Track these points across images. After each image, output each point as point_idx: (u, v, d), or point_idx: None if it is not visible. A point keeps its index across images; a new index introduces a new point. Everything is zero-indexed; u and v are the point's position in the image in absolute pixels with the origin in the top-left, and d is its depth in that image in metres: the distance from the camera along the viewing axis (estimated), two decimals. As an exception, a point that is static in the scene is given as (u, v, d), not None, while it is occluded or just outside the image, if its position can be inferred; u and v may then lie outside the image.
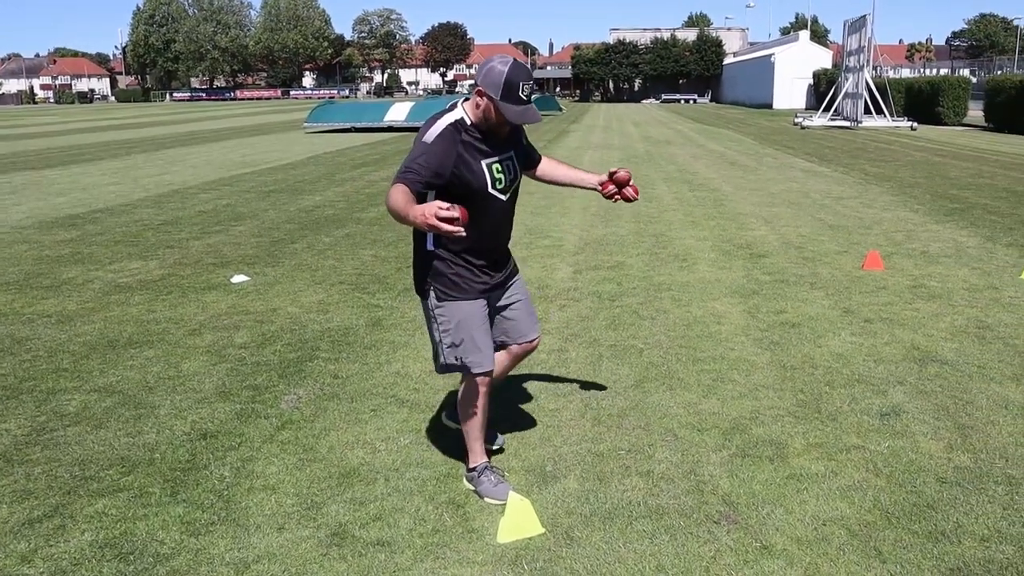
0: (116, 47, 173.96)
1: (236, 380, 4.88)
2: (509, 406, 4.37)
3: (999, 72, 44.31)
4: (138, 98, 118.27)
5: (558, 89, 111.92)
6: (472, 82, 3.37)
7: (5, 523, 3.31)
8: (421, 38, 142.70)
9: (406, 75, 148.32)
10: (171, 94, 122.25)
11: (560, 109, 54.64)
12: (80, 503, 3.46)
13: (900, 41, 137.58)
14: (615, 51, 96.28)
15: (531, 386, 4.71)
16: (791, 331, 5.73)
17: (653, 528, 3.23)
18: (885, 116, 32.10)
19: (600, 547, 3.11)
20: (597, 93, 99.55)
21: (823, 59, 63.62)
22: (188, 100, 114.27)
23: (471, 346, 3.37)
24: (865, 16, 31.80)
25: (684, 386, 4.72)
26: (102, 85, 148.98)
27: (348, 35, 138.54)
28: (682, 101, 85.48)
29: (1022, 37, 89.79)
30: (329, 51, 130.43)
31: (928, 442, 3.96)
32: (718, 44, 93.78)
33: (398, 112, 31.05)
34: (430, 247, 3.32)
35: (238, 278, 7.36)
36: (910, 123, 31.25)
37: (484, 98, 3.12)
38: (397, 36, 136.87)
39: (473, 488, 3.53)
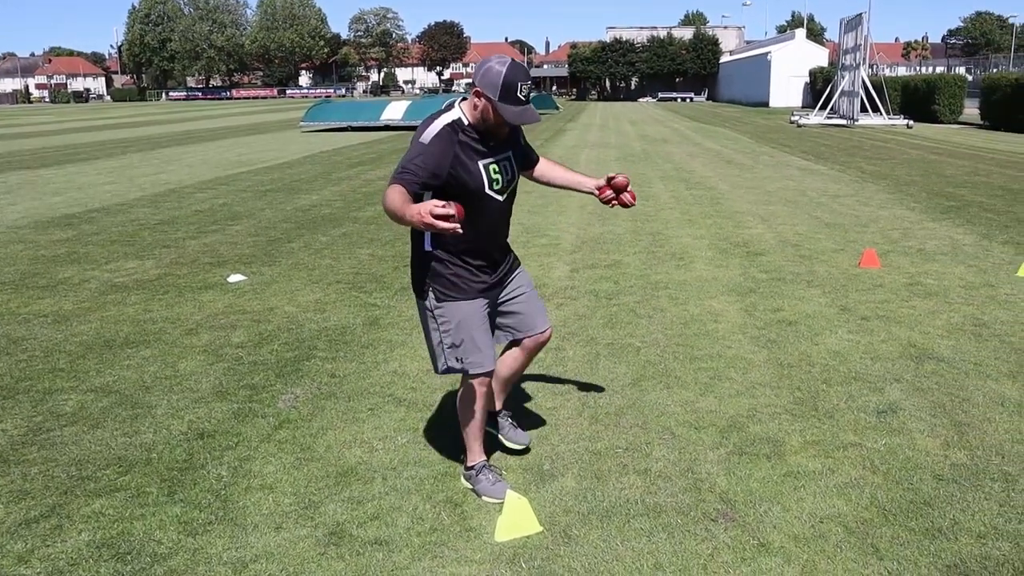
0: (112, 46, 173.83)
1: (233, 379, 4.88)
2: (506, 404, 4.37)
3: (995, 70, 44.38)
4: (134, 97, 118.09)
5: (554, 88, 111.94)
6: (469, 81, 3.36)
7: (2, 523, 3.31)
8: (417, 37, 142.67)
9: (402, 74, 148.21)
10: (167, 93, 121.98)
11: (557, 108, 54.64)
12: (77, 503, 3.46)
13: (896, 39, 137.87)
14: (612, 49, 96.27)
15: (528, 385, 4.71)
16: (788, 329, 5.74)
17: (651, 526, 3.24)
18: (881, 114, 32.14)
19: (598, 545, 3.11)
20: (594, 92, 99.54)
21: (819, 57, 63.66)
22: (184, 99, 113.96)
23: (471, 346, 3.36)
24: (861, 14, 31.85)
25: (681, 384, 4.73)
26: (98, 84, 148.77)
27: (344, 34, 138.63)
28: (679, 99, 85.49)
29: (1018, 35, 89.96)
30: (325, 50, 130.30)
31: (925, 439, 3.97)
32: (714, 42, 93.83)
33: (394, 111, 31.00)
34: (427, 248, 3.32)
35: (235, 277, 7.36)
36: (906, 121, 31.29)
37: (482, 99, 3.11)
38: (393, 35, 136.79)
39: (471, 487, 3.53)
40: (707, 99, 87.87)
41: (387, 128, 30.40)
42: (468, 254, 3.31)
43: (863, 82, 31.70)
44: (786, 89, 62.63)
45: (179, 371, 5.04)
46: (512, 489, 3.36)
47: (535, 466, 3.75)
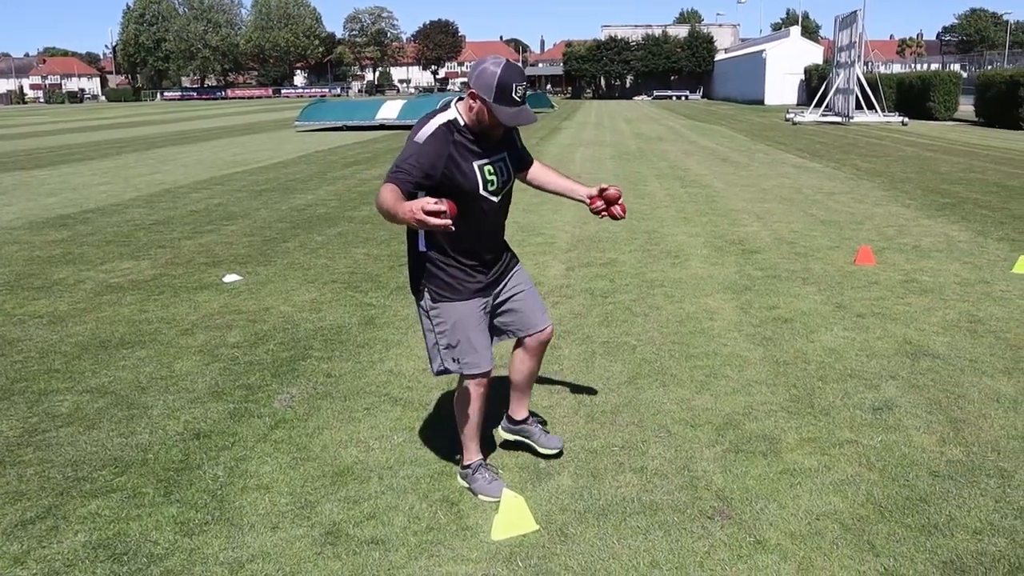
0: (106, 46, 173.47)
1: (229, 380, 4.87)
2: (501, 403, 4.36)
3: (989, 67, 44.45)
4: (128, 97, 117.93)
5: (549, 86, 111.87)
6: (464, 80, 3.34)
7: (-2, 525, 3.30)
8: (412, 36, 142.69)
9: (397, 73, 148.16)
10: (162, 93, 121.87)
11: (552, 106, 54.64)
12: (73, 504, 3.45)
13: (891, 36, 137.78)
14: (607, 48, 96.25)
15: (524, 383, 4.70)
16: (783, 326, 5.74)
17: (647, 524, 3.24)
18: (876, 111, 32.18)
19: (594, 543, 3.12)
20: (589, 90, 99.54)
21: (814, 55, 63.72)
22: (179, 99, 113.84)
23: (467, 347, 3.35)
24: (856, 12, 31.89)
25: (677, 382, 4.73)
26: (92, 85, 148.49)
27: (339, 33, 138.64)
28: (674, 97, 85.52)
29: (1012, 32, 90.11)
30: (320, 49, 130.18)
31: (920, 436, 3.98)
32: (709, 40, 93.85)
33: (389, 110, 30.96)
34: (422, 248, 3.31)
35: (230, 277, 7.35)
36: (901, 118, 31.32)
37: (477, 100, 3.09)
38: (388, 34, 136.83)
39: (467, 485, 3.53)
40: (702, 97, 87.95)
41: (382, 127, 30.37)
42: (463, 255, 3.30)
43: (858, 79, 31.73)
44: (781, 87, 62.69)
45: (175, 371, 5.03)
46: (508, 488, 3.36)
47: (531, 465, 3.75)
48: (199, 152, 22.08)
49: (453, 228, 2.85)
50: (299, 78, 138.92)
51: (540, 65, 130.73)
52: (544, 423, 3.86)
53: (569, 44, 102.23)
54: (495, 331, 3.54)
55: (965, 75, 41.86)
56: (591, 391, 4.60)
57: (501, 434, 3.88)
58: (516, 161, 3.45)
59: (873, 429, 4.06)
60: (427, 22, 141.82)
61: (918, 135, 25.33)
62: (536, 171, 3.66)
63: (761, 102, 62.94)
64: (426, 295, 3.35)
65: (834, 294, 6.56)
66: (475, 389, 3.43)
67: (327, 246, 8.82)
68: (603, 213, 3.59)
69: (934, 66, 48.27)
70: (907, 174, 14.73)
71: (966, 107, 35.08)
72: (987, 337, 5.45)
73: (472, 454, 3.55)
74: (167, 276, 7.52)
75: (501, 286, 3.49)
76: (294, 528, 3.25)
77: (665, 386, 4.67)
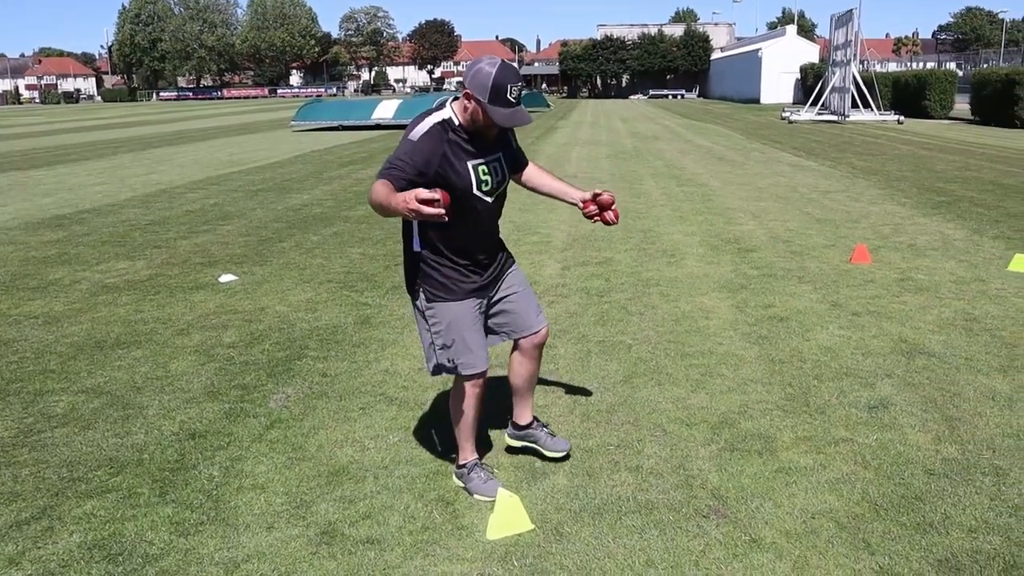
0: (102, 46, 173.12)
1: (224, 380, 4.87)
2: (497, 403, 4.35)
3: (985, 65, 44.50)
4: (124, 98, 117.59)
5: (545, 85, 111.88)
6: (460, 79, 3.33)
7: (-8, 526, 3.30)
8: (408, 35, 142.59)
9: (393, 73, 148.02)
10: (158, 93, 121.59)
11: (548, 105, 54.61)
12: (68, 505, 3.45)
13: (887, 35, 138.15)
14: (602, 47, 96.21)
15: (520, 382, 4.70)
16: (779, 325, 5.75)
17: (642, 523, 3.24)
18: (872, 110, 32.21)
19: (590, 543, 3.12)
20: (585, 89, 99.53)
21: (810, 53, 63.71)
22: (175, 99, 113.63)
23: (462, 347, 3.35)
24: (852, 10, 31.90)
25: (673, 381, 4.73)
26: (88, 85, 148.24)
27: (335, 33, 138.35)
28: (670, 96, 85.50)
29: (1008, 30, 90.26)
30: (316, 49, 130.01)
31: (916, 434, 3.98)
32: (705, 39, 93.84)
33: (385, 110, 30.96)
34: (416, 248, 3.31)
35: (226, 277, 7.34)
36: (897, 117, 31.36)
37: (472, 100, 3.08)
38: (384, 33, 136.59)
39: (462, 485, 3.53)
40: (698, 96, 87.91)
41: (378, 127, 30.36)
42: (457, 255, 3.29)
43: (854, 78, 31.75)
44: (777, 85, 62.69)
45: (170, 371, 5.03)
46: (504, 487, 3.37)
47: (527, 464, 3.75)
48: (195, 152, 22.05)
49: (447, 218, 2.84)
50: (295, 78, 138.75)
51: (536, 64, 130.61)
52: (546, 425, 3.84)
53: (565, 43, 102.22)
54: (489, 332, 3.52)
55: (961, 73, 41.93)
56: (587, 390, 4.60)
57: (507, 441, 3.86)
58: (511, 162, 3.44)
59: (868, 427, 4.07)
60: (423, 21, 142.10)
61: (914, 134, 25.36)
62: (531, 173, 3.65)
63: (757, 101, 62.95)
64: (421, 295, 3.35)
65: (830, 292, 6.57)
66: (470, 389, 3.43)
67: (323, 246, 8.82)
68: (596, 218, 3.60)
69: (930, 65, 48.40)
70: (903, 172, 14.75)
71: (962, 105, 35.11)
72: (982, 335, 5.46)
73: (467, 454, 3.55)
74: (163, 276, 7.51)
75: (496, 287, 3.49)
76: (289, 528, 3.25)
77: (661, 385, 4.67)
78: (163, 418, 4.32)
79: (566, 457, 3.76)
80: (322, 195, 12.90)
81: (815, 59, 60.92)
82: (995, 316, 5.88)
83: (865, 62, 38.46)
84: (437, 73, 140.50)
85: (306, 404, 4.48)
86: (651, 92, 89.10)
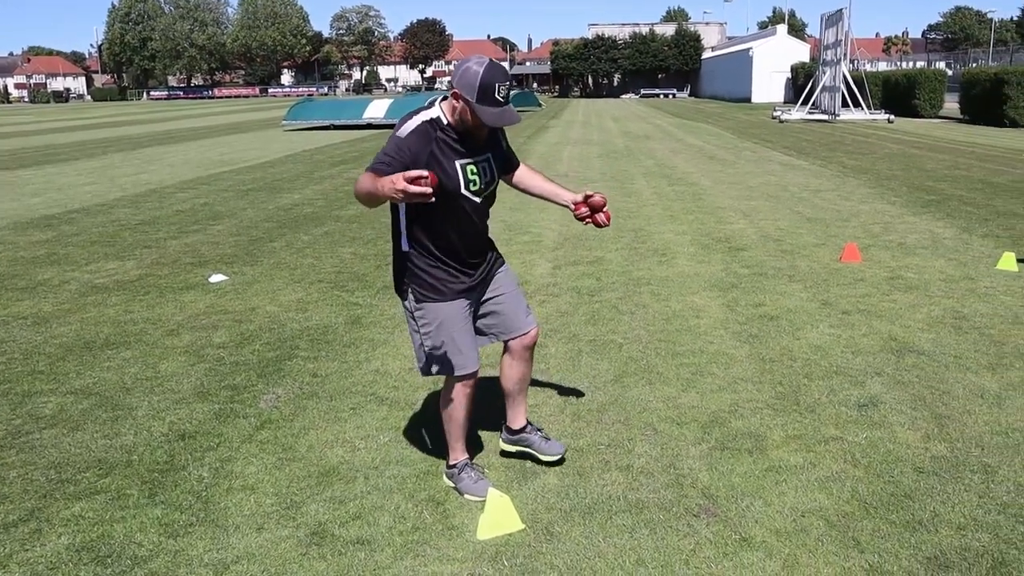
0: (92, 45, 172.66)
1: (214, 380, 4.85)
2: (488, 402, 4.35)
3: (974, 64, 44.68)
4: (114, 97, 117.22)
5: (536, 85, 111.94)
6: (450, 79, 3.31)
7: (-20, 528, 3.28)
8: (400, 35, 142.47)
9: (385, 72, 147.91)
10: (148, 93, 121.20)
11: (539, 105, 54.61)
12: (56, 506, 3.43)
13: (877, 34, 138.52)
14: (594, 46, 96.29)
15: (511, 382, 4.70)
16: (770, 324, 5.76)
17: (633, 522, 3.24)
18: (862, 109, 32.30)
19: (580, 542, 3.12)
20: (576, 88, 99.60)
21: (801, 53, 63.88)
22: (165, 99, 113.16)
23: (452, 348, 3.34)
24: (842, 10, 31.99)
25: (663, 380, 4.73)
26: (78, 84, 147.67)
27: (326, 32, 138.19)
28: (661, 96, 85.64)
29: (996, 29, 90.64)
30: (307, 48, 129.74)
31: (905, 432, 3.99)
32: (696, 38, 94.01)
33: (377, 109, 30.93)
34: (404, 248, 3.30)
35: (216, 277, 7.32)
36: (887, 116, 31.44)
37: (460, 100, 3.07)
38: (375, 33, 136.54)
39: (453, 485, 3.52)
40: (689, 95, 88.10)
41: (369, 126, 30.32)
42: (445, 255, 3.28)
43: (844, 77, 31.83)
44: (768, 85, 62.84)
45: (160, 372, 5.01)
46: (494, 487, 3.36)
47: (517, 464, 3.74)
48: (185, 152, 21.98)
49: (433, 199, 2.81)
50: (286, 77, 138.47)
51: (527, 64, 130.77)
52: (540, 429, 3.83)
53: (556, 43, 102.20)
54: (478, 334, 3.51)
55: (950, 73, 42.03)
56: (577, 390, 4.60)
57: (501, 446, 3.84)
58: (501, 163, 3.43)
59: (858, 426, 4.08)
60: (414, 21, 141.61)
61: (904, 132, 25.44)
62: (522, 174, 3.63)
63: (748, 100, 63.10)
64: (410, 295, 3.34)
65: (820, 291, 6.59)
66: (461, 389, 3.42)
67: (313, 246, 8.80)
68: (587, 220, 3.59)
69: (919, 64, 48.56)
70: (893, 171, 14.80)
71: (951, 105, 35.24)
72: (971, 333, 5.48)
73: (458, 454, 3.54)
74: (153, 276, 7.49)
75: (486, 288, 3.48)
76: (279, 529, 3.24)
77: (651, 384, 4.67)
78: (152, 419, 4.30)
79: (561, 461, 3.74)
80: (313, 195, 12.87)
81: (806, 58, 61.09)
82: (984, 314, 5.90)
83: (855, 61, 38.57)
84: (429, 72, 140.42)
85: (296, 404, 4.46)
86: (643, 91, 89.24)
